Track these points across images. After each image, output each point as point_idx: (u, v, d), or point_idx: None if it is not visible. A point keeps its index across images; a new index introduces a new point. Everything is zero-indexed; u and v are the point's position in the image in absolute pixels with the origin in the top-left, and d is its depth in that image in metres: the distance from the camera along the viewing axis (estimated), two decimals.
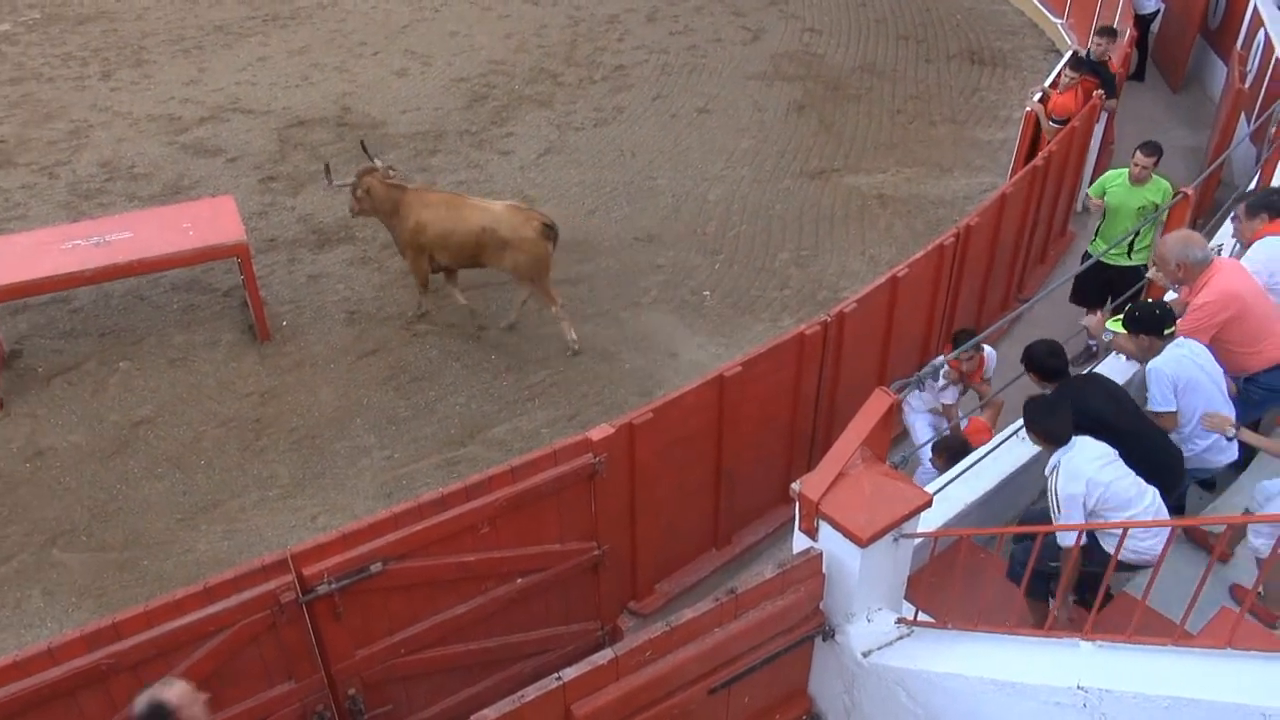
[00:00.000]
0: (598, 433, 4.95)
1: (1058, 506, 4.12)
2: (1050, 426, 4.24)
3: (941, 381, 5.99)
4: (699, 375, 5.60)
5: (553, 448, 4.85)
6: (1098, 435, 4.62)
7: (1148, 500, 4.13)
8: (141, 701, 3.20)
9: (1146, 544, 4.11)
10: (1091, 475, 4.06)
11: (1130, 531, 3.87)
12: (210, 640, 4.07)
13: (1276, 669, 3.05)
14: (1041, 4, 13.97)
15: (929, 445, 5.83)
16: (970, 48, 13.30)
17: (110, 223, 8.13)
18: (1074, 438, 4.20)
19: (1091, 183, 7.49)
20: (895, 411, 4.97)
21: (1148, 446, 4.47)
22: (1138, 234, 6.81)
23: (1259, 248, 5.13)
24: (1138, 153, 6.66)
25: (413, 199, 7.76)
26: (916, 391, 5.97)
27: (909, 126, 11.28)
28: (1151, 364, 4.52)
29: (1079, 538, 3.96)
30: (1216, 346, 4.65)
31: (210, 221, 8.03)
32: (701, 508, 5.91)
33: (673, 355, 7.93)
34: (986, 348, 6.13)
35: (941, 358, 5.67)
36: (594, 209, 9.82)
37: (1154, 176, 6.78)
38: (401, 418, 7.42)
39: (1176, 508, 4.81)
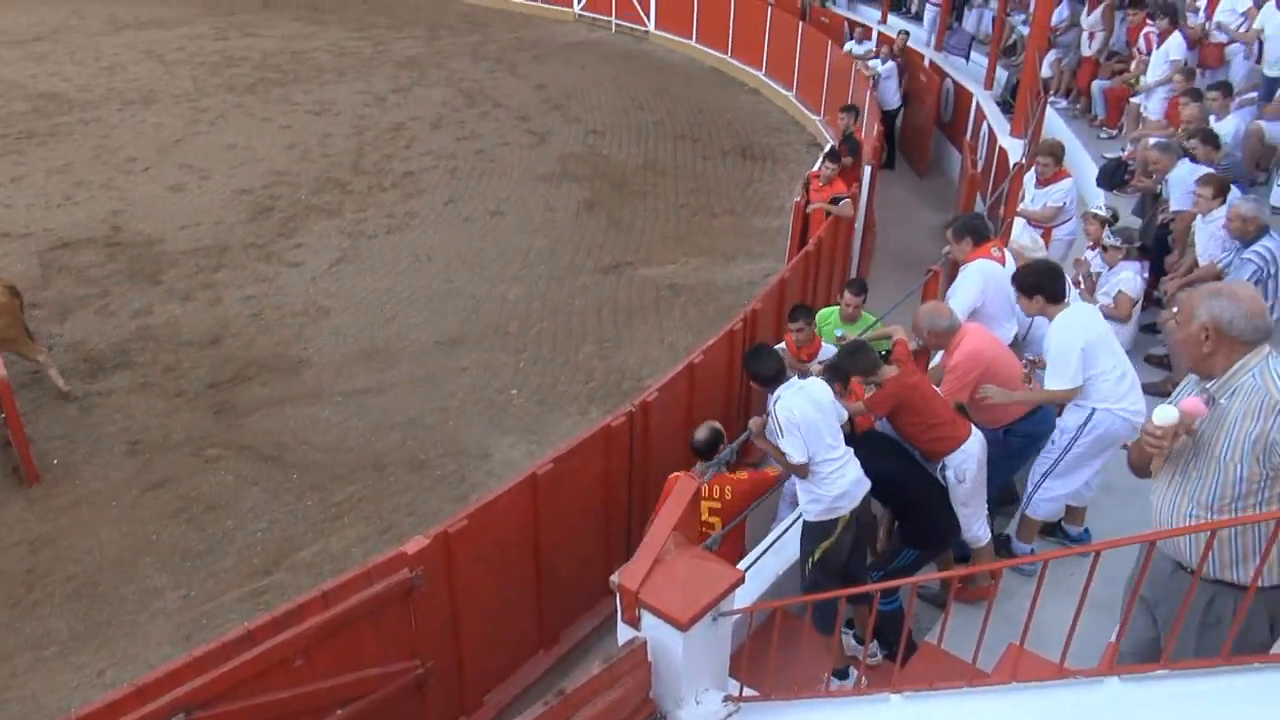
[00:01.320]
0: (412, 545, 4.86)
1: (780, 429, 4.60)
2: (758, 369, 4.83)
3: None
4: (513, 475, 5.63)
5: (366, 566, 4.72)
6: (889, 496, 5.00)
7: (840, 452, 4.68)
8: None
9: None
10: (804, 409, 4.59)
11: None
12: None
13: (1058, 696, 3.38)
14: (800, 103, 15.29)
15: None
16: (741, 144, 14.33)
17: None
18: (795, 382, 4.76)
19: (859, 264, 8.18)
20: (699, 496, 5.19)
21: (936, 508, 4.87)
22: None
23: (974, 272, 5.74)
24: (846, 292, 6.69)
25: None
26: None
27: (693, 219, 11.94)
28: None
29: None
30: (974, 403, 5.16)
31: None
32: (526, 610, 5.86)
33: (485, 457, 7.89)
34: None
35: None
36: (393, 315, 9.73)
37: (864, 314, 6.84)
38: (197, 552, 6.96)
39: (961, 557, 5.23)
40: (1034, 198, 7.81)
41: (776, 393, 4.74)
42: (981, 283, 5.70)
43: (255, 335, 9.35)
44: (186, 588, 6.68)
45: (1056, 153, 7.82)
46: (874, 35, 14.43)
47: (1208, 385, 3.07)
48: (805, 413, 4.62)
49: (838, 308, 6.82)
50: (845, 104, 11.39)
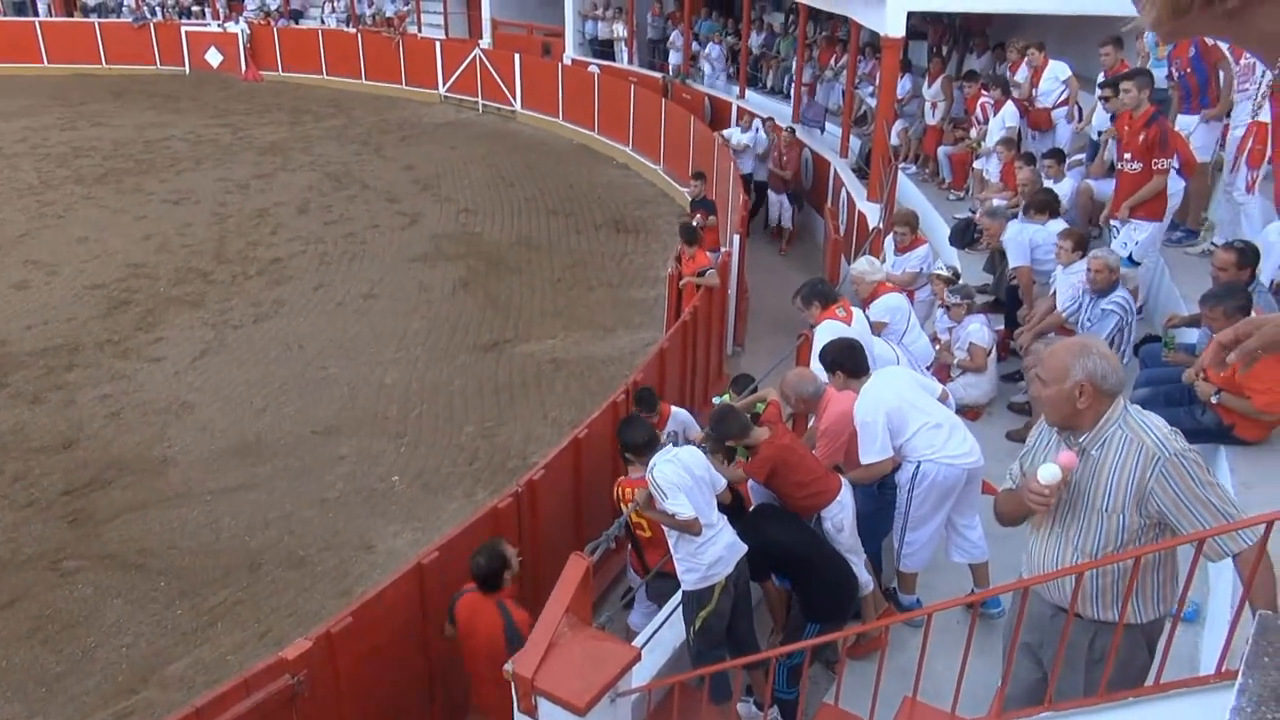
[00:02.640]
0: (293, 649, 4.62)
1: (663, 493, 4.68)
2: (630, 437, 5.08)
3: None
4: (398, 566, 5.45)
5: (243, 676, 4.45)
6: (785, 567, 5.06)
7: (714, 518, 4.77)
8: None
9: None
10: (679, 473, 4.70)
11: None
12: None
13: None
14: (668, 176, 15.72)
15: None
16: (614, 218, 14.61)
17: None
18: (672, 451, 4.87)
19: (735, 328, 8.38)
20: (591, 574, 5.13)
21: (833, 573, 4.95)
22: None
23: (825, 334, 5.97)
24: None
25: None
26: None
27: (570, 293, 12.04)
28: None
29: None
30: (850, 461, 5.32)
31: None
32: (419, 710, 5.63)
33: (368, 548, 7.63)
34: (674, 409, 6.78)
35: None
36: (264, 407, 9.41)
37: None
38: (54, 675, 6.43)
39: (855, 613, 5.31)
40: (894, 263, 8.19)
41: (652, 460, 4.78)
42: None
43: (114, 436, 8.85)
44: (43, 715, 6.15)
45: (911, 222, 8.25)
46: (754, 123, 14.58)
47: (1079, 440, 3.12)
48: (682, 477, 4.70)
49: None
50: (695, 170, 11.87)
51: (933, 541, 5.24)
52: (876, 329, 6.63)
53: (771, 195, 13.69)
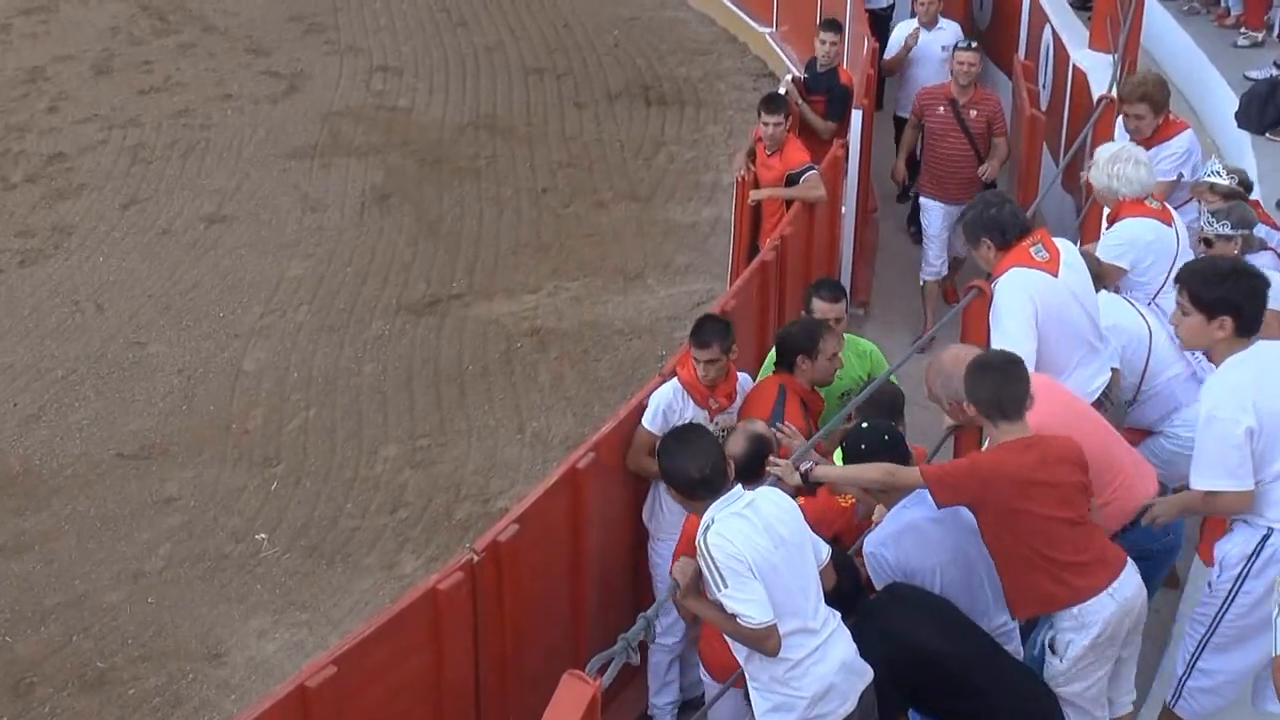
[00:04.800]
0: None
1: (718, 576, 4.59)
2: (676, 464, 4.81)
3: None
4: (266, 689, 5.48)
5: None
6: (931, 685, 5.03)
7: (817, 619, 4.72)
8: None
9: None
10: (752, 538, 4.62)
11: None
12: None
13: None
14: (739, 8, 15.58)
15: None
16: (641, 80, 14.52)
17: None
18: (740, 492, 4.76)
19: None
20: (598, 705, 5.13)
21: (1007, 689, 4.92)
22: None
23: (1011, 292, 5.91)
24: (815, 299, 7.06)
25: None
26: None
27: (564, 212, 12.00)
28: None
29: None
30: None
31: None
32: None
33: (215, 657, 7.71)
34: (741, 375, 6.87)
35: None
36: (35, 412, 9.53)
37: (847, 338, 7.10)
38: None
39: None
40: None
41: (708, 514, 4.76)
42: (1027, 307, 5.83)
43: None
44: None
45: (1155, 97, 8.08)
46: None
47: None
48: (755, 546, 4.65)
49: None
50: (827, 18, 11.64)
51: (1244, 676, 5.21)
52: (1108, 278, 6.57)
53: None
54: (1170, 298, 6.50)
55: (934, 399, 5.46)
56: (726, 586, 4.63)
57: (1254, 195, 7.46)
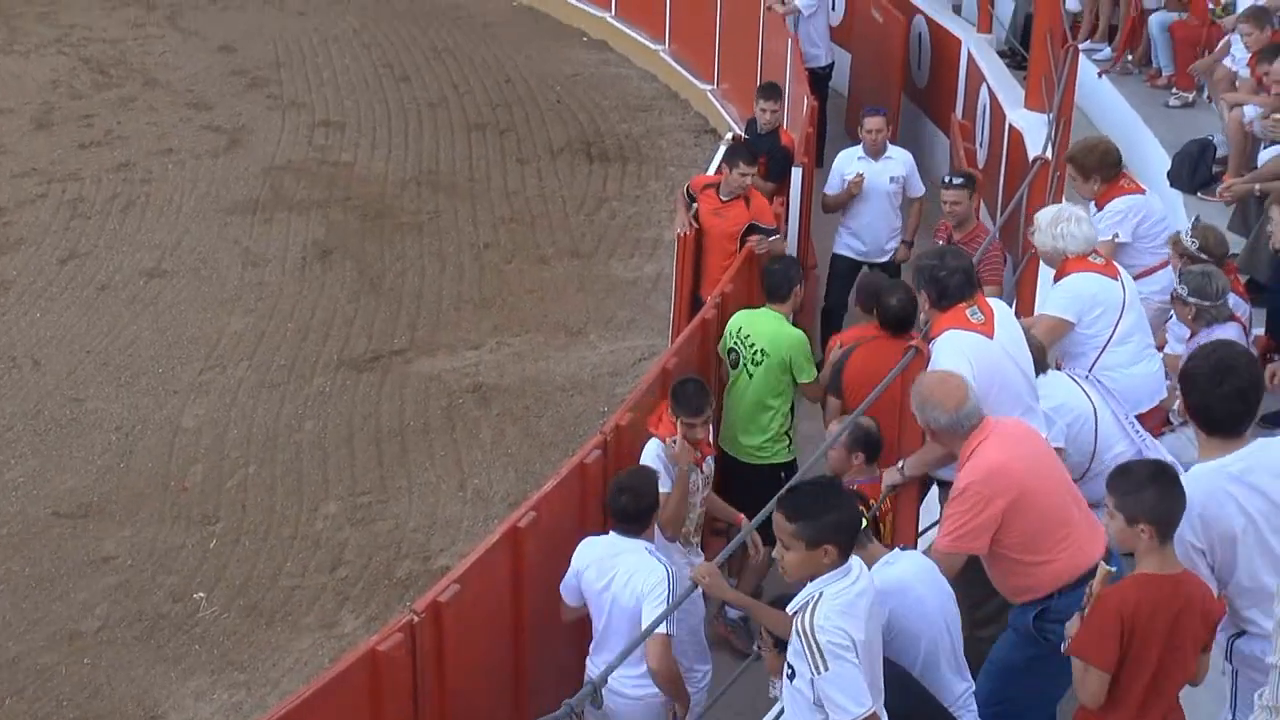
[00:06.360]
0: None
1: (819, 658, 4.23)
2: (814, 511, 4.36)
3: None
4: None
5: None
6: None
7: None
8: None
9: None
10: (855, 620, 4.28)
11: None
12: None
13: None
14: (680, 65, 15.67)
15: None
16: (584, 136, 14.58)
17: None
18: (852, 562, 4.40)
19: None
20: None
21: None
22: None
23: (947, 352, 5.98)
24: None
25: None
26: None
27: (506, 268, 12.02)
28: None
29: None
30: (992, 560, 5.27)
31: None
32: None
33: (153, 719, 7.64)
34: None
35: None
36: None
37: (770, 315, 8.02)
38: None
39: None
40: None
41: (812, 586, 4.42)
42: (963, 368, 5.81)
43: None
44: None
45: (1080, 161, 8.03)
46: None
47: None
48: (868, 627, 4.34)
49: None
50: (765, 82, 11.64)
51: None
52: (1054, 334, 6.69)
53: None
54: (1117, 352, 6.67)
55: (922, 425, 5.56)
56: (825, 669, 4.31)
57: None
